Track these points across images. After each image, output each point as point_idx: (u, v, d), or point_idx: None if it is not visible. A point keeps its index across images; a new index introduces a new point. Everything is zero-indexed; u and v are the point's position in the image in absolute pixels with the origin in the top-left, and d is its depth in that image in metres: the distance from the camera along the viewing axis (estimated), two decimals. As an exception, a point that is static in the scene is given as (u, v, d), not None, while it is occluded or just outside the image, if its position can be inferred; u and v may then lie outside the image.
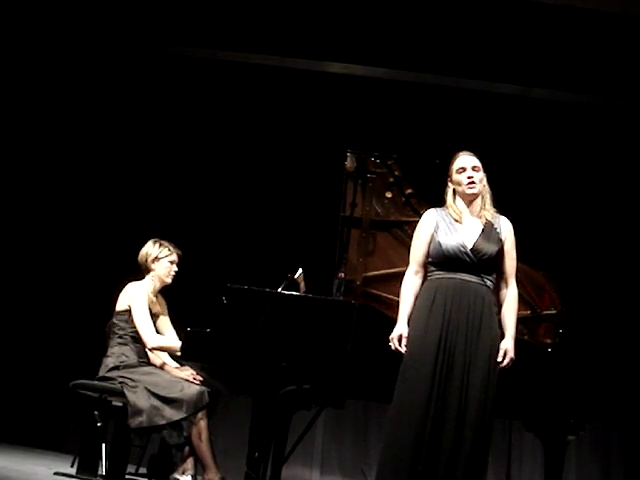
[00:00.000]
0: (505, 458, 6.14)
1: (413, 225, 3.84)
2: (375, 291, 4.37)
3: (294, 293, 4.08)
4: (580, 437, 4.19)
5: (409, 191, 4.38)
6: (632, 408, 6.39)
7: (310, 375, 3.89)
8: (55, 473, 4.75)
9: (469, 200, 3.70)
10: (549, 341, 4.40)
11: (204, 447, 4.38)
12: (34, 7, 6.49)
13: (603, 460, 6.46)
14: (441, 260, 3.60)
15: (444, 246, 3.59)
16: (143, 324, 4.56)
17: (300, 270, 4.32)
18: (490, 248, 3.59)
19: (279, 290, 4.07)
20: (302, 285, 4.33)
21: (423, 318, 3.54)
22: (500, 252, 3.63)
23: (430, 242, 3.64)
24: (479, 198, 3.70)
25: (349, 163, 4.30)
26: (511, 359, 3.55)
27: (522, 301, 4.44)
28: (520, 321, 4.43)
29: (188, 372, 4.57)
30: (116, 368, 4.53)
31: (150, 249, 4.76)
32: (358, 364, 3.85)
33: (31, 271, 6.72)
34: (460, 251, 3.57)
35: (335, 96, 6.74)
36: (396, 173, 4.37)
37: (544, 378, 4.02)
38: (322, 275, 4.36)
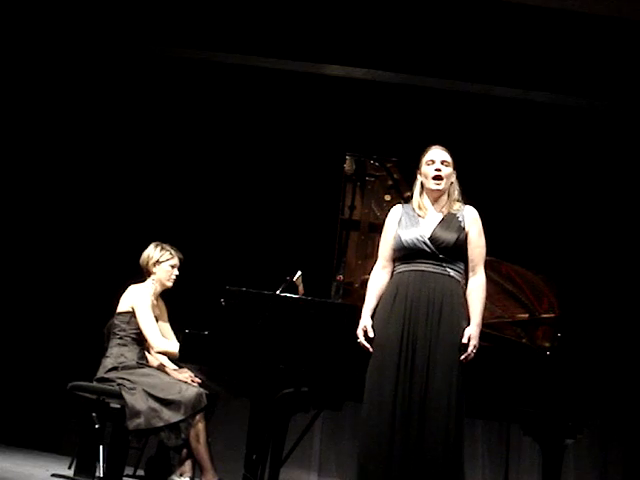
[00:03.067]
0: (503, 462, 6.14)
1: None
2: (373, 294, 4.35)
3: (292, 295, 4.07)
4: (578, 440, 4.19)
5: (408, 194, 4.36)
6: (630, 411, 6.39)
7: (308, 377, 3.88)
8: (52, 475, 4.76)
9: (434, 197, 3.70)
10: (547, 345, 4.39)
11: (202, 449, 4.38)
12: (35, 10, 6.49)
13: (601, 463, 6.46)
14: (402, 253, 3.61)
15: (403, 238, 3.60)
16: (149, 327, 4.56)
17: (299, 272, 4.32)
18: (449, 236, 3.58)
19: (277, 292, 4.07)
20: (300, 287, 4.33)
21: (386, 312, 3.57)
22: (463, 241, 3.61)
23: (395, 237, 3.65)
24: (445, 195, 3.70)
25: (348, 166, 4.30)
26: (474, 347, 3.52)
27: (520, 304, 4.44)
28: (518, 324, 4.44)
29: (186, 374, 4.57)
30: (115, 369, 4.53)
31: (152, 252, 4.76)
32: (356, 366, 3.84)
33: (30, 273, 6.71)
34: (418, 240, 3.57)
35: (334, 99, 6.74)
36: (395, 176, 4.36)
37: (542, 382, 4.01)
38: (321, 277, 4.36)
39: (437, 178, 3.65)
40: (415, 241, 3.58)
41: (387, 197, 4.39)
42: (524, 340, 4.39)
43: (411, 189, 4.03)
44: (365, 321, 3.61)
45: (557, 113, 6.73)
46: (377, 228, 4.36)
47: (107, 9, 6.49)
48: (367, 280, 4.28)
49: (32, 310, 6.60)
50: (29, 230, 6.77)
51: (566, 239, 6.55)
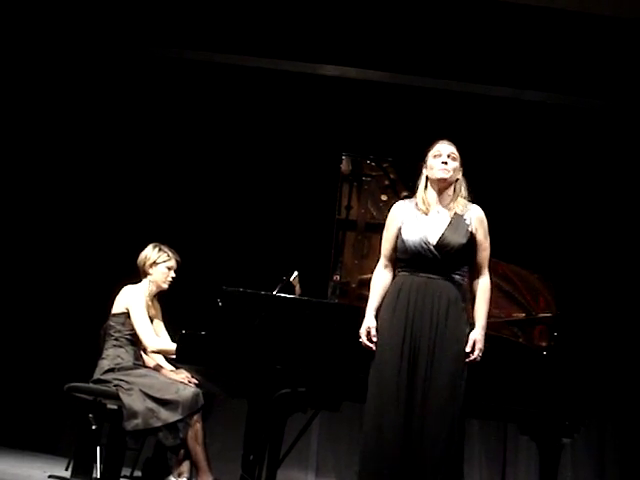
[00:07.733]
0: (500, 461, 6.14)
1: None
2: (370, 294, 4.36)
3: (289, 296, 4.08)
4: (575, 439, 4.19)
5: (404, 194, 4.37)
6: (627, 410, 6.40)
7: (305, 378, 3.88)
8: (50, 476, 4.75)
9: (439, 188, 3.64)
10: (544, 344, 4.40)
11: (199, 449, 4.38)
12: (35, 11, 6.48)
13: (598, 462, 6.47)
14: (405, 257, 3.57)
15: (407, 242, 3.55)
16: (143, 327, 4.56)
17: (295, 272, 4.32)
18: (457, 241, 3.53)
19: (274, 293, 4.07)
20: (297, 287, 4.33)
21: (388, 315, 3.54)
22: (469, 244, 3.56)
23: (397, 236, 3.61)
24: (450, 188, 3.64)
25: (344, 166, 4.30)
26: (480, 350, 3.50)
27: (517, 304, 4.45)
28: (515, 324, 4.44)
29: (183, 375, 4.57)
30: (111, 370, 4.53)
31: (149, 253, 4.76)
32: (353, 367, 3.84)
33: (26, 274, 6.70)
34: (423, 247, 3.52)
35: (330, 99, 6.74)
36: (391, 176, 4.36)
37: (539, 381, 4.01)
38: (317, 277, 4.36)
39: (443, 169, 3.59)
40: (420, 248, 3.52)
41: (384, 197, 4.39)
42: (521, 339, 4.39)
43: (407, 189, 4.02)
44: (369, 322, 3.56)
45: (551, 112, 6.73)
46: (374, 228, 4.37)
47: (106, 10, 6.48)
48: (364, 280, 4.33)
49: (29, 311, 6.59)
50: (26, 232, 6.75)
51: (562, 238, 6.56)
